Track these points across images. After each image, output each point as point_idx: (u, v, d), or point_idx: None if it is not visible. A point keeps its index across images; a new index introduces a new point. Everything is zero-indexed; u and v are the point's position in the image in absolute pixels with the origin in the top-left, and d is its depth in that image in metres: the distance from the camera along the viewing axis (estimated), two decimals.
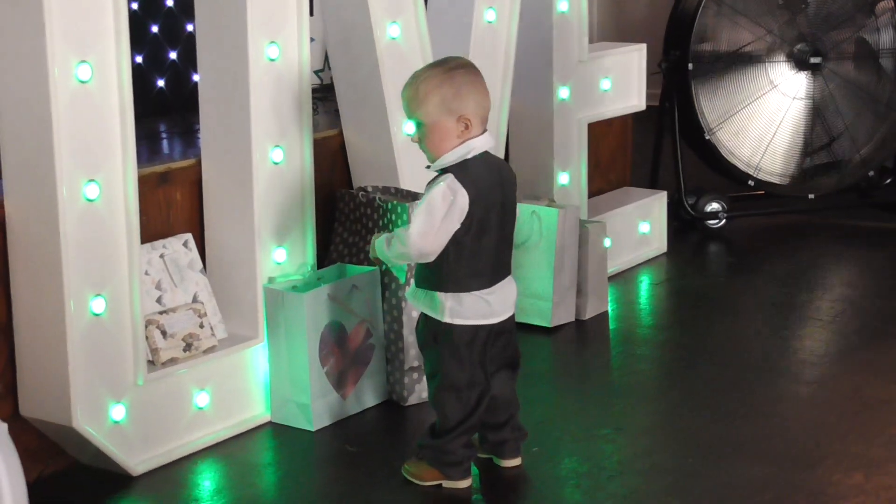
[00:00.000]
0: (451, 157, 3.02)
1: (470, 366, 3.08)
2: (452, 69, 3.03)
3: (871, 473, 3.18)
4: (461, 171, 3.00)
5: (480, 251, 3.03)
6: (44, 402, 3.10)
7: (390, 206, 3.64)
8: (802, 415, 3.58)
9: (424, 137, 3.04)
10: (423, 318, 3.12)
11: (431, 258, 3.02)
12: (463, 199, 2.97)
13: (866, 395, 3.69)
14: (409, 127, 3.29)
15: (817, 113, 5.54)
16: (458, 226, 2.99)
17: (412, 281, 3.19)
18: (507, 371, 3.19)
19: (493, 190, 3.04)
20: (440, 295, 3.05)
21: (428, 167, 3.08)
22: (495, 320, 3.09)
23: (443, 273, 3.04)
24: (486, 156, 3.06)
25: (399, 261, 3.12)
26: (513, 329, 3.17)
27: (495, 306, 3.08)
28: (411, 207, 3.45)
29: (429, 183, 3.04)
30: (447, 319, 3.05)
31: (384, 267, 3.62)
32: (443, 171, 3.03)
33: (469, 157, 3.02)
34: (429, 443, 3.14)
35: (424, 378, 3.61)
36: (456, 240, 3.00)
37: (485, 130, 3.06)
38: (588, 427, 3.50)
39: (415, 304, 3.13)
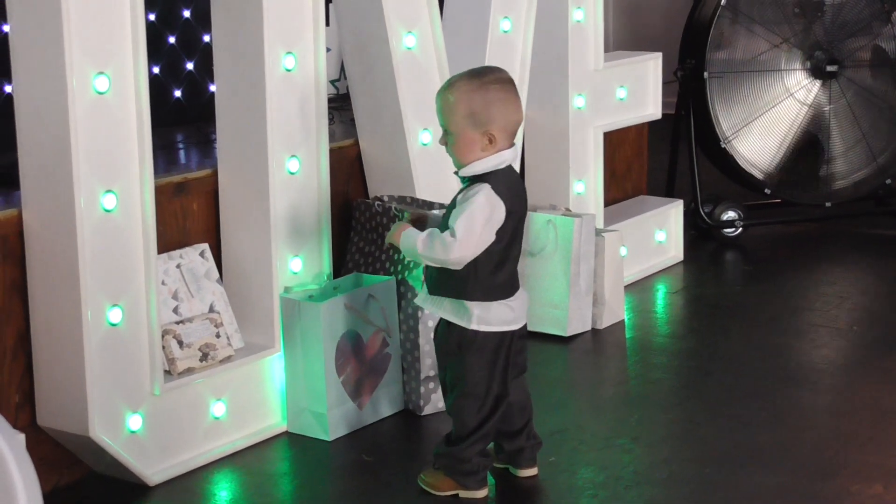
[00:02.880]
0: (480, 167, 3.02)
1: (495, 373, 3.08)
2: (487, 83, 3.01)
3: (889, 484, 3.16)
4: (496, 181, 3.00)
5: (508, 261, 3.05)
6: (61, 412, 3.11)
7: (406, 215, 3.64)
8: (820, 424, 3.57)
9: (451, 144, 3.05)
10: (446, 325, 3.10)
11: (462, 266, 3.01)
12: (500, 211, 2.98)
13: (884, 405, 3.68)
14: (437, 131, 3.18)
15: (834, 121, 5.53)
16: (493, 237, 2.99)
17: (423, 287, 3.15)
18: (521, 377, 3.20)
19: (521, 201, 3.08)
20: (468, 303, 3.04)
21: (455, 173, 3.08)
22: (517, 326, 3.10)
23: (471, 282, 3.03)
24: (510, 168, 3.08)
25: (427, 262, 3.05)
26: (526, 334, 3.19)
27: (518, 312, 3.09)
28: (442, 214, 3.33)
29: (462, 190, 3.04)
30: (474, 327, 3.04)
31: (400, 267, 3.62)
32: (472, 180, 3.03)
33: (499, 168, 3.03)
34: (445, 450, 3.14)
35: (440, 388, 3.61)
36: (487, 249, 3.00)
37: (513, 144, 3.07)
38: (605, 437, 3.49)
39: (436, 311, 3.11)
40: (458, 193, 3.05)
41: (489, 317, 3.04)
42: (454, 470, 3.12)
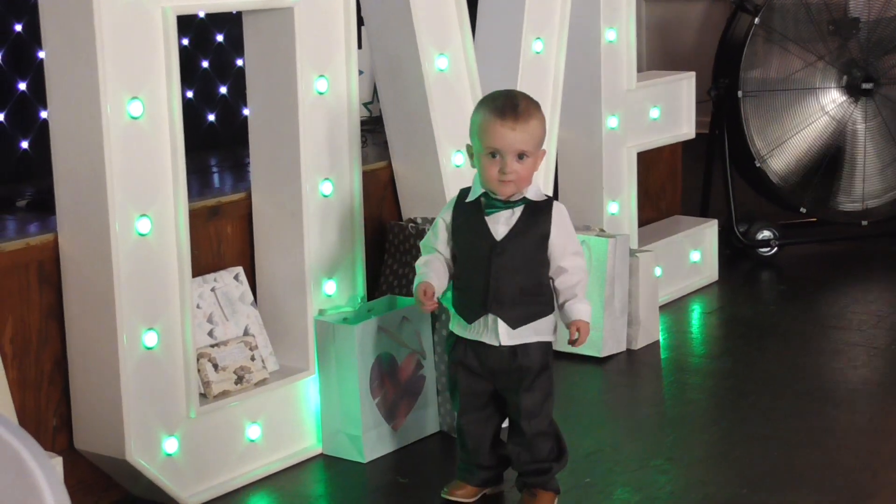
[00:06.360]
0: (535, 189, 3.07)
1: None
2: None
3: None
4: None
5: None
6: (98, 436, 3.13)
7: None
8: (858, 444, 3.54)
9: (529, 167, 3.01)
10: (535, 347, 3.06)
11: None
12: None
13: None
14: (512, 158, 2.97)
15: (869, 139, 5.50)
16: None
17: (497, 329, 3.05)
18: None
19: None
20: (551, 315, 3.09)
21: (509, 201, 3.03)
22: None
23: (550, 295, 3.09)
24: None
25: None
26: None
27: None
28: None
29: (531, 210, 3.04)
30: (554, 336, 3.11)
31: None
32: (528, 202, 3.04)
33: None
34: (559, 467, 3.14)
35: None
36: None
37: None
38: (640, 457, 3.48)
39: (531, 340, 3.05)
40: (522, 216, 3.04)
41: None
42: (555, 482, 3.14)
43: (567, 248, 3.06)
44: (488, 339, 3.06)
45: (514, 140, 2.96)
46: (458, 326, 3.12)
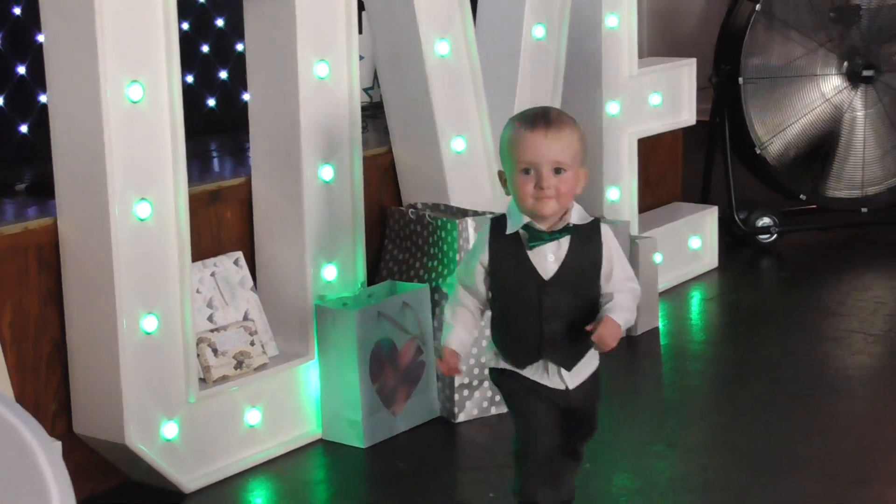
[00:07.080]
0: (579, 212, 2.71)
1: None
2: None
3: None
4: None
5: None
6: (97, 420, 3.13)
7: (440, 223, 3.64)
8: (857, 431, 3.54)
9: (569, 183, 2.64)
10: (592, 379, 2.83)
11: None
12: None
13: None
14: (549, 171, 2.61)
15: (870, 126, 5.49)
16: None
17: (555, 372, 2.76)
18: None
19: None
20: None
21: (554, 232, 2.66)
22: None
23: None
24: None
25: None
26: None
27: None
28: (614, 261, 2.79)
29: (578, 238, 2.68)
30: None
31: (434, 274, 3.61)
32: (573, 229, 2.68)
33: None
34: None
35: (475, 395, 3.61)
36: None
37: None
38: (640, 443, 3.48)
39: (589, 370, 2.81)
40: (571, 247, 2.67)
41: None
42: None
43: (618, 275, 2.75)
44: (550, 384, 2.74)
45: (549, 150, 2.60)
46: (503, 364, 2.77)
